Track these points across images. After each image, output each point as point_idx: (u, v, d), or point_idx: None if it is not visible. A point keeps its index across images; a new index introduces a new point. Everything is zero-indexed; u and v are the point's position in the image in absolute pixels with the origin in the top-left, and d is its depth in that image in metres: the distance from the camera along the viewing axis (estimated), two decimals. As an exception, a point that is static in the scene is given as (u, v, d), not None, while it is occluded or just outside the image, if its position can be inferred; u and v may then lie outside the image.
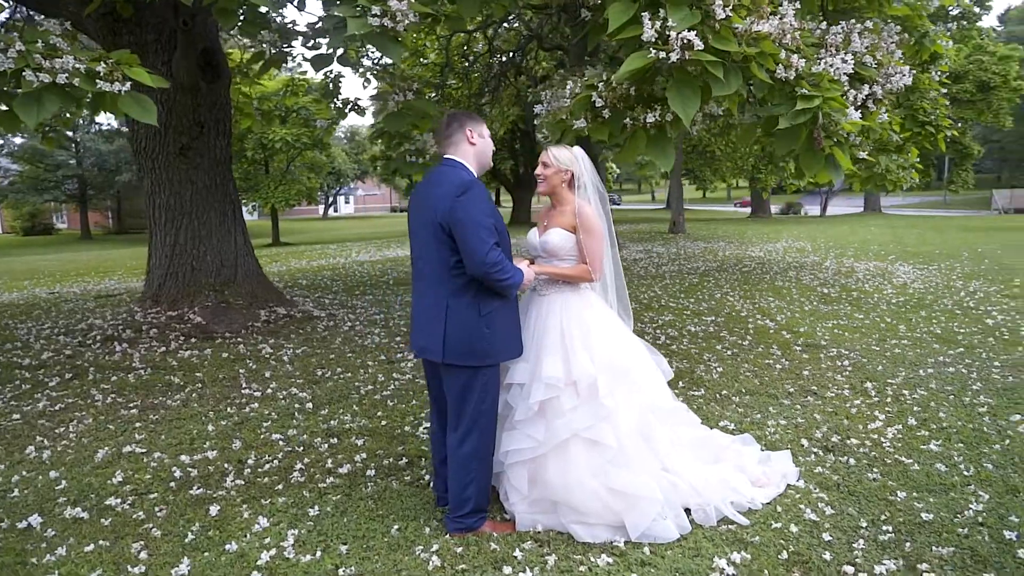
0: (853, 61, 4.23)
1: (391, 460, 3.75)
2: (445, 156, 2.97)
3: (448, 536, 2.94)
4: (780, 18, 3.91)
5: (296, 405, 4.64)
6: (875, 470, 3.60)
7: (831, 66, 4.18)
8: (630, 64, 3.57)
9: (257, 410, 4.55)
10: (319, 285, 10.56)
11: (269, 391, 4.94)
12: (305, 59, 17.49)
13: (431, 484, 3.44)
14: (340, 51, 5.59)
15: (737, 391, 4.98)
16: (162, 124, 6.69)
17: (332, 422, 4.33)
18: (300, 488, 3.42)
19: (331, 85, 9.70)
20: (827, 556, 2.77)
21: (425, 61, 16.80)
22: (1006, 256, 14.19)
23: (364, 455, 3.80)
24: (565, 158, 3.17)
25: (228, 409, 4.58)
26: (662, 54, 3.48)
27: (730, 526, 3.02)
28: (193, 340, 6.15)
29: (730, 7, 3.49)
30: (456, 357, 2.83)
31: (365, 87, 10.57)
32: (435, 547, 2.85)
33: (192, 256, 6.85)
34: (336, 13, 4.35)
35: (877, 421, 4.31)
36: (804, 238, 20.08)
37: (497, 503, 3.20)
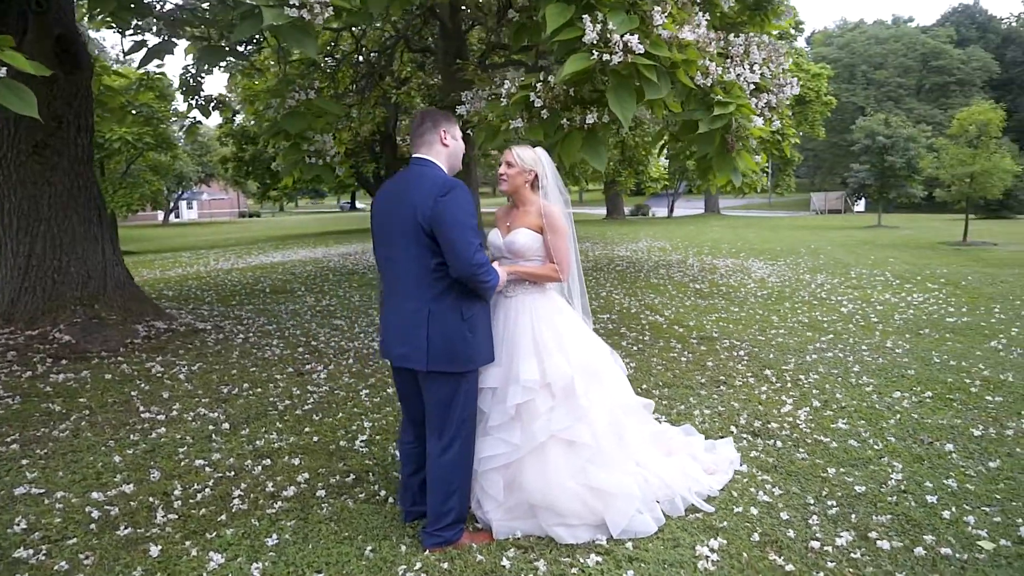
0: (759, 72, 4.56)
1: (337, 478, 3.53)
2: (416, 156, 2.85)
3: (428, 552, 2.80)
4: (696, 27, 4.13)
5: (210, 427, 4.23)
6: (801, 450, 3.89)
7: (740, 76, 4.48)
8: (573, 65, 3.61)
9: (166, 435, 4.10)
10: (188, 296, 9.73)
11: (174, 413, 4.47)
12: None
13: (390, 500, 3.28)
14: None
15: (655, 384, 5.19)
16: (11, 118, 5.85)
17: (257, 442, 3.99)
18: (246, 516, 3.12)
19: (191, 80, 8.99)
20: (791, 534, 2.95)
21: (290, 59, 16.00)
22: (836, 252, 15.92)
23: (306, 475, 3.54)
24: (529, 158, 3.14)
25: (131, 436, 4.08)
26: (605, 56, 3.56)
27: (697, 514, 3.13)
28: (64, 362, 5.42)
29: (666, 14, 3.63)
30: (440, 364, 2.72)
31: (228, 85, 9.94)
32: (418, 565, 2.71)
33: (53, 268, 6.04)
34: (249, 1, 4.04)
35: (787, 405, 4.67)
36: (661, 238, 21.35)
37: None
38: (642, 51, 3.55)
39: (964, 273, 11.58)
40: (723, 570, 2.68)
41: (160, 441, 4.01)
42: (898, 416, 4.44)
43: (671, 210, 38.27)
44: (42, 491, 3.38)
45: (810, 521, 3.07)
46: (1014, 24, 62.14)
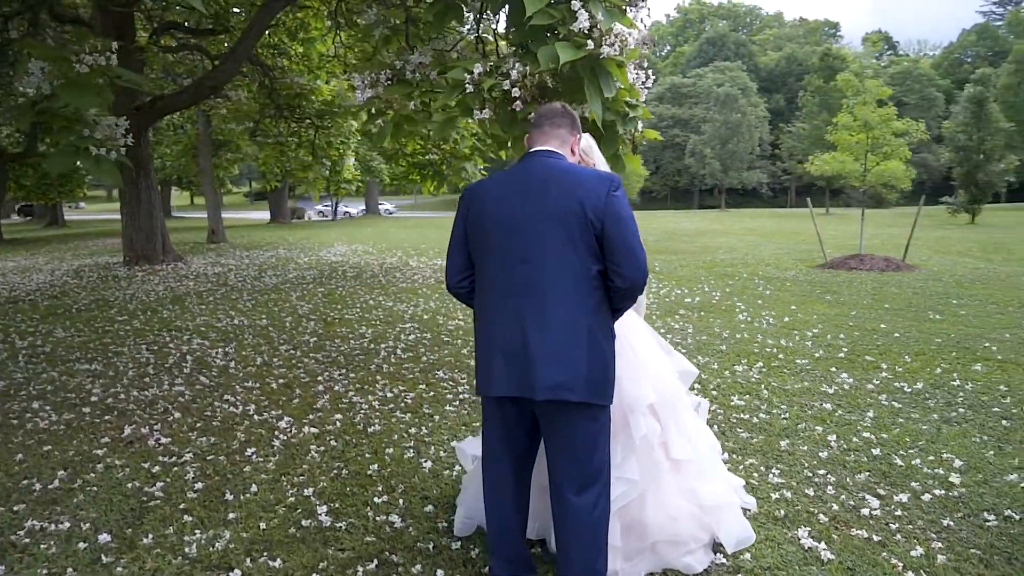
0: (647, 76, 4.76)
1: (359, 571, 2.68)
2: (546, 148, 2.38)
3: (583, 626, 2.32)
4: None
5: (80, 543, 2.82)
6: (740, 430, 4.22)
7: (636, 78, 4.62)
8: (567, 54, 3.32)
9: (27, 571, 2.62)
10: None
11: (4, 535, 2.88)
12: None
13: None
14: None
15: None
16: None
17: (187, 550, 2.81)
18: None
19: None
20: (836, 508, 3.19)
21: None
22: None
23: (314, 576, 2.62)
24: (585, 145, 2.82)
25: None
26: (604, 48, 3.34)
27: (750, 511, 3.16)
28: None
29: (645, 11, 3.57)
30: (596, 394, 2.28)
31: None
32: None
33: None
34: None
35: (677, 390, 4.99)
36: (354, 240, 20.86)
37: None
38: (633, 46, 3.43)
39: (656, 261, 13.74)
40: (840, 555, 2.77)
41: (24, 585, 2.55)
42: (763, 386, 5.09)
43: (335, 212, 37.71)
44: None
45: (828, 492, 3.34)
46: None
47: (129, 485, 3.40)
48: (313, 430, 4.21)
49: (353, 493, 3.35)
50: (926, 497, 3.28)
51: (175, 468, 3.62)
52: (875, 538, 2.90)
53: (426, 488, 3.41)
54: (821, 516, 3.09)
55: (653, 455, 2.63)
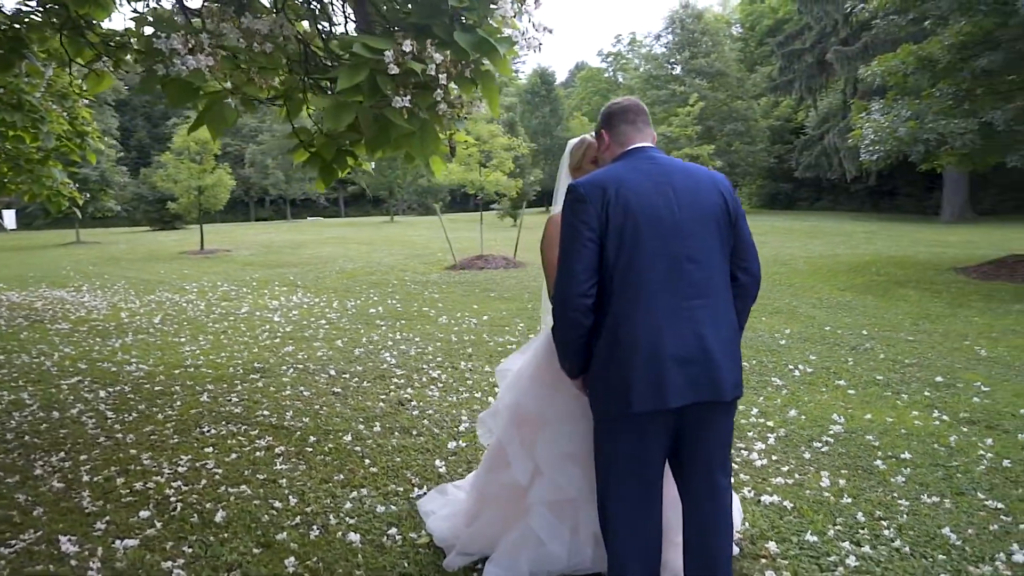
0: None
1: None
2: (648, 145, 2.29)
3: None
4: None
5: None
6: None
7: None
8: (502, 44, 3.04)
9: None
10: None
11: None
12: None
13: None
14: None
15: (406, 421, 4.49)
16: None
17: None
18: None
19: None
20: (759, 466, 3.67)
21: None
22: (100, 270, 14.58)
23: None
24: (574, 147, 2.75)
25: None
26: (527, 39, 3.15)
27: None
28: None
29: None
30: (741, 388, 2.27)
31: None
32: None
33: None
34: None
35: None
36: None
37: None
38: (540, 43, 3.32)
39: (288, 274, 12.90)
40: (796, 504, 3.22)
41: None
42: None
43: None
44: None
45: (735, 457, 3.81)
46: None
47: None
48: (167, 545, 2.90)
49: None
50: (771, 441, 4.01)
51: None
52: (847, 501, 3.33)
53: (393, 564, 2.72)
54: (779, 479, 3.49)
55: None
